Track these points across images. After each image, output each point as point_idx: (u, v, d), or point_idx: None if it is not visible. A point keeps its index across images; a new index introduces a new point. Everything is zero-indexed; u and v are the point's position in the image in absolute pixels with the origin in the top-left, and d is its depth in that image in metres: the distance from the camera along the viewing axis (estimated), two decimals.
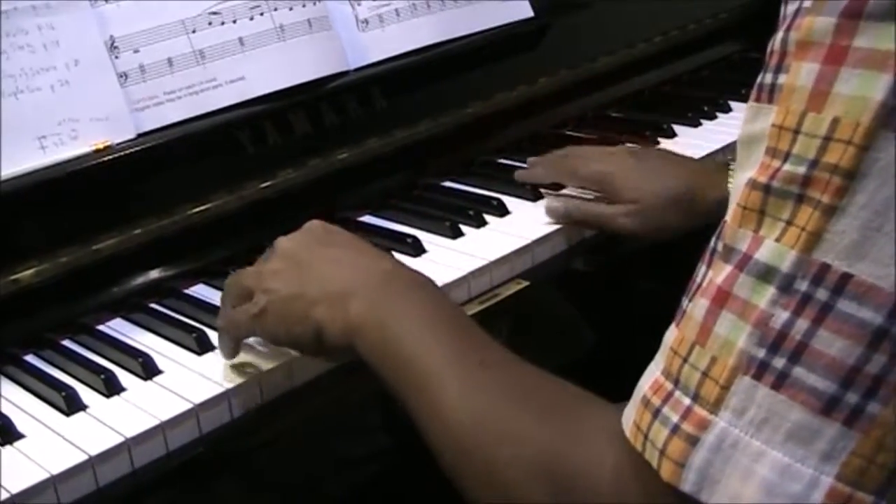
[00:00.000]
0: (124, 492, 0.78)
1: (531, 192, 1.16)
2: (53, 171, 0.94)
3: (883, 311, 0.45)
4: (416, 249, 1.04)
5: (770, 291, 0.48)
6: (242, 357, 0.86)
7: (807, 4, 0.48)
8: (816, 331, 0.46)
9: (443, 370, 0.68)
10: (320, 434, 0.94)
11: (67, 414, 0.82)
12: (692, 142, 1.30)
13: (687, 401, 0.51)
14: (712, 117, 1.38)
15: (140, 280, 0.99)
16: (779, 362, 0.47)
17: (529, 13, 1.29)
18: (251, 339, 0.86)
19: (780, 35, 0.50)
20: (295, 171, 1.08)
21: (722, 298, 0.50)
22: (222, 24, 1.04)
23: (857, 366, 0.46)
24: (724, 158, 1.24)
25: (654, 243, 1.06)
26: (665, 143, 1.30)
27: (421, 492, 1.06)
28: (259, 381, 0.85)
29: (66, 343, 0.94)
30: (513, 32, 1.28)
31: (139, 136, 1.00)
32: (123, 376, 0.86)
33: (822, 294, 0.46)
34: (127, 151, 0.98)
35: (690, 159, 1.19)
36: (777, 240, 0.48)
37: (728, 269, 0.50)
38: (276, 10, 1.07)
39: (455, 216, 1.10)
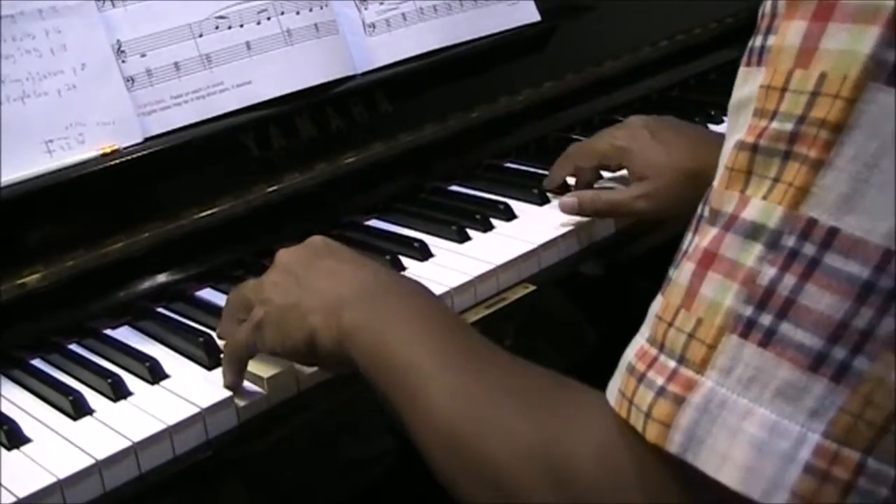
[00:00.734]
0: (131, 496, 0.78)
1: (538, 196, 1.15)
2: (60, 175, 0.94)
3: (870, 266, 0.45)
4: (423, 253, 1.04)
5: (757, 249, 0.48)
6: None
7: None
8: (804, 286, 0.46)
9: (433, 371, 0.67)
10: (326, 438, 0.93)
11: (74, 418, 0.82)
12: None
13: (672, 364, 0.50)
14: (719, 121, 1.38)
15: (147, 284, 0.99)
16: (766, 319, 0.47)
17: (536, 17, 1.29)
18: None
19: None
20: (301, 175, 1.08)
21: (708, 261, 0.50)
22: (229, 28, 1.05)
23: (845, 321, 0.45)
24: None
25: (664, 247, 1.06)
26: None
27: (425, 495, 1.06)
28: (265, 387, 0.85)
29: (73, 347, 0.94)
30: (518, 36, 1.28)
31: (146, 140, 1.00)
32: (130, 381, 0.87)
33: (809, 249, 0.46)
34: (134, 155, 0.98)
35: (704, 130, 1.18)
36: (764, 198, 0.48)
37: (714, 231, 0.50)
38: (283, 14, 1.07)
39: (462, 220, 1.10)
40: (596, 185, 1.15)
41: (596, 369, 0.65)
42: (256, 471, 0.88)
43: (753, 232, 0.48)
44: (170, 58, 1.01)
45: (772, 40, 0.49)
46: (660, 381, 0.50)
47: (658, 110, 1.44)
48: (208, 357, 0.89)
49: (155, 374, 0.87)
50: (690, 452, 0.49)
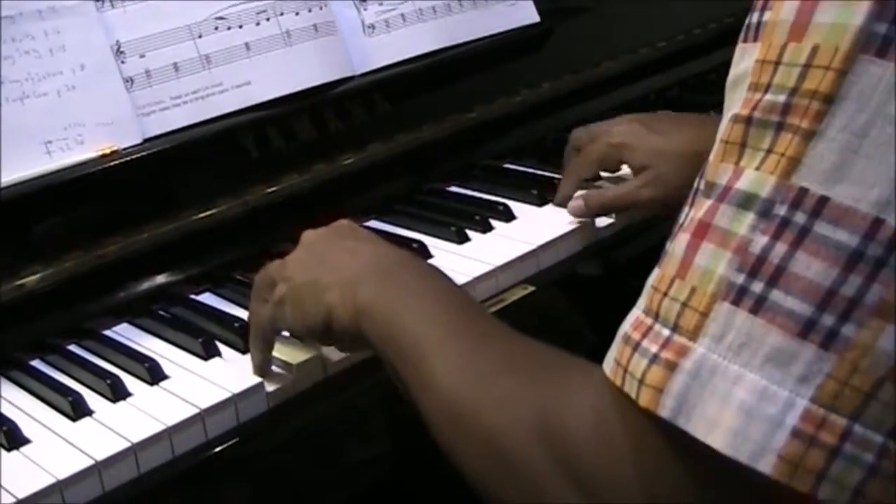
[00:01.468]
0: (130, 497, 0.78)
1: (537, 197, 1.15)
2: (59, 175, 0.94)
3: (859, 234, 0.46)
4: (422, 254, 1.04)
5: (749, 218, 0.49)
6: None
7: None
8: (794, 254, 0.47)
9: (439, 345, 0.69)
10: (325, 439, 0.94)
11: (73, 419, 0.82)
12: None
13: (666, 332, 0.51)
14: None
15: (146, 285, 0.99)
16: (757, 287, 0.48)
17: (535, 18, 1.29)
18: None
19: None
20: (300, 176, 1.08)
21: (702, 231, 0.51)
22: (228, 29, 1.05)
23: (834, 288, 0.46)
24: None
25: (662, 246, 1.06)
26: None
27: (424, 496, 1.06)
28: (264, 387, 0.85)
29: (72, 348, 0.94)
30: (517, 37, 1.28)
31: (145, 140, 1.00)
32: (129, 381, 0.86)
33: (799, 217, 0.47)
34: (133, 156, 0.98)
35: (698, 115, 1.19)
36: (757, 168, 0.49)
37: (709, 203, 0.51)
38: (282, 15, 1.07)
39: (461, 221, 1.10)
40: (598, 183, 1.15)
41: None
42: (255, 471, 0.88)
43: (746, 201, 0.49)
44: (169, 58, 1.01)
45: (767, 16, 0.50)
46: (654, 348, 0.51)
47: (657, 110, 1.44)
48: (207, 358, 0.89)
49: (154, 374, 0.87)
50: (682, 417, 0.50)
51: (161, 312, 0.99)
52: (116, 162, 0.97)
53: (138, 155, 0.99)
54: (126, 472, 0.78)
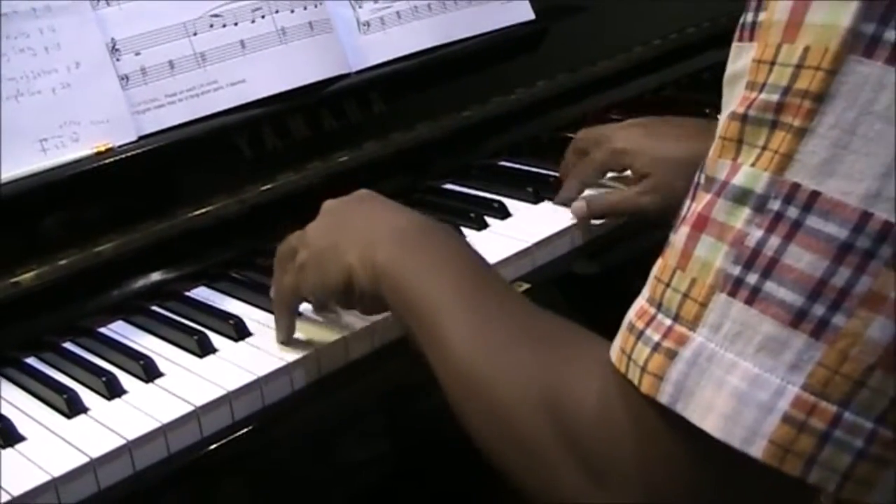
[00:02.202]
0: (125, 494, 0.78)
1: (532, 195, 1.16)
2: (54, 173, 0.94)
3: (848, 226, 0.47)
4: None
5: (745, 212, 0.50)
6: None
7: None
8: (787, 246, 0.48)
9: (455, 306, 0.71)
10: (321, 437, 0.94)
11: (69, 416, 0.82)
12: None
13: (668, 321, 0.53)
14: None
15: (141, 283, 0.99)
16: (752, 278, 0.49)
17: (531, 15, 1.29)
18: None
19: None
20: (295, 173, 1.08)
21: (702, 223, 0.52)
22: (223, 26, 1.05)
23: (824, 279, 0.47)
24: None
25: (658, 246, 1.06)
26: None
27: (422, 496, 1.06)
28: (259, 385, 0.85)
29: (67, 345, 0.94)
30: (512, 35, 1.28)
31: (140, 138, 1.00)
32: (125, 379, 0.86)
33: (792, 212, 0.48)
34: (128, 154, 0.98)
35: (698, 120, 1.20)
36: (752, 164, 0.50)
37: (708, 196, 0.52)
38: (277, 12, 1.07)
39: (456, 219, 1.10)
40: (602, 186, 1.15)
41: None
42: (251, 469, 0.88)
43: (742, 196, 0.50)
44: (164, 56, 1.01)
45: (762, 16, 0.51)
46: (656, 337, 0.53)
47: (652, 109, 1.44)
48: (203, 355, 0.89)
49: (149, 372, 0.87)
50: (680, 403, 0.51)
51: (156, 310, 0.99)
52: (112, 160, 0.97)
53: (133, 153, 0.98)
54: (121, 470, 0.78)
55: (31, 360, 0.92)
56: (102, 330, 0.96)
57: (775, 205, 0.49)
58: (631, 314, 0.56)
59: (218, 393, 0.83)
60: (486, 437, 0.66)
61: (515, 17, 1.28)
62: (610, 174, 1.16)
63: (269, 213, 1.06)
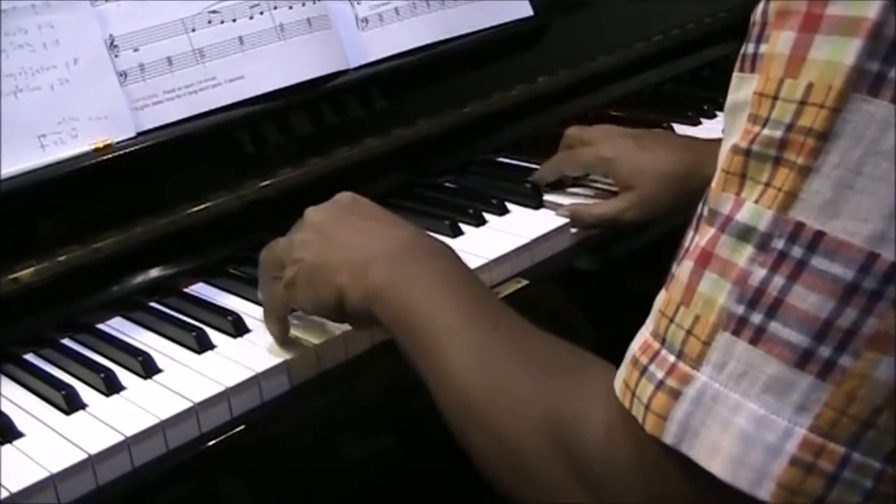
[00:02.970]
0: (124, 491, 0.78)
1: (531, 192, 1.16)
2: (53, 169, 0.94)
3: (854, 267, 0.47)
4: None
5: (749, 250, 0.50)
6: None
7: None
8: (792, 286, 0.48)
9: (453, 331, 0.70)
10: (320, 434, 0.94)
11: (67, 413, 0.82)
12: None
13: (672, 358, 0.53)
14: (712, 116, 1.38)
15: (140, 279, 0.99)
16: (756, 318, 0.49)
17: (529, 12, 1.29)
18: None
19: (761, 6, 0.52)
20: (294, 170, 1.08)
21: (705, 259, 0.52)
22: (222, 22, 1.04)
23: (830, 319, 0.47)
24: None
25: (656, 243, 1.07)
26: None
27: (424, 493, 1.06)
28: (258, 381, 0.85)
29: (66, 342, 0.94)
30: (512, 31, 1.28)
31: (139, 134, 0.99)
32: (123, 375, 0.87)
33: (797, 251, 0.48)
34: (127, 150, 0.98)
35: (690, 138, 1.20)
36: (756, 201, 0.50)
37: (711, 231, 0.52)
38: (275, 8, 1.07)
39: (455, 215, 1.10)
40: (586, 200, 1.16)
41: None
42: (249, 465, 0.88)
43: (745, 233, 0.50)
44: (162, 52, 1.01)
45: (763, 48, 0.51)
46: (660, 374, 0.53)
47: (651, 105, 1.44)
48: (201, 352, 0.89)
49: (148, 368, 0.87)
50: (685, 443, 0.51)
51: (155, 306, 0.99)
52: (110, 156, 0.97)
53: (132, 149, 0.98)
54: (120, 466, 0.78)
55: (30, 357, 0.92)
56: (101, 326, 0.96)
57: (779, 244, 0.49)
58: (635, 347, 0.56)
59: (216, 389, 0.83)
60: (489, 464, 0.65)
61: (514, 14, 1.28)
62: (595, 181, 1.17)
63: (268, 210, 1.06)
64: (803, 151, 0.48)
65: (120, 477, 0.78)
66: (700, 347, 0.51)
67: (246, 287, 0.99)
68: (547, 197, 1.15)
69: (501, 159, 1.28)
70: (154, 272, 1.00)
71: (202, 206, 1.01)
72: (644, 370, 0.54)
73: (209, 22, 1.04)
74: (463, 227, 1.09)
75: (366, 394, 0.94)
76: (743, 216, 0.50)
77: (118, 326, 0.96)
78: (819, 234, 0.47)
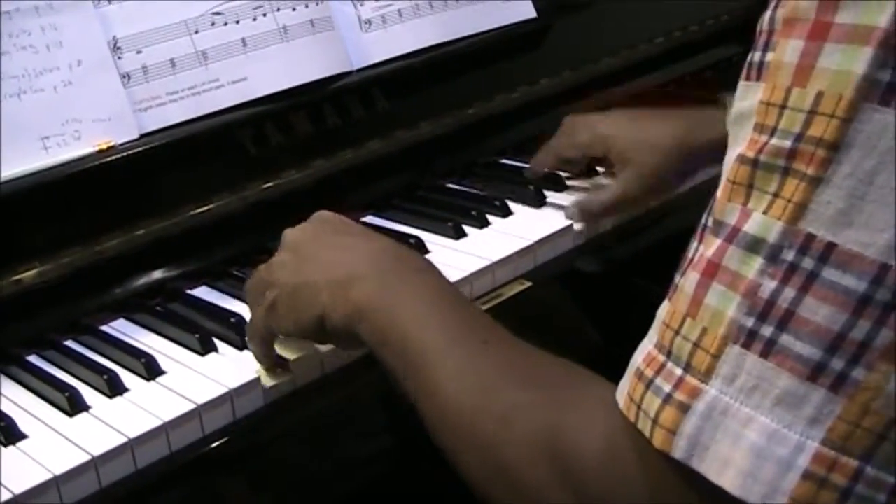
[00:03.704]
0: (127, 492, 0.78)
1: (534, 193, 1.16)
2: (56, 171, 0.94)
3: (866, 279, 0.46)
4: (420, 250, 1.04)
5: (758, 262, 0.49)
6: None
7: None
8: (803, 299, 0.47)
9: (442, 348, 0.69)
10: (323, 435, 0.94)
11: (70, 414, 0.82)
12: None
13: (679, 371, 0.52)
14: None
15: (143, 281, 0.99)
16: (767, 330, 0.48)
17: (532, 14, 1.29)
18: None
19: (768, 14, 0.51)
20: (297, 171, 1.08)
21: (712, 271, 0.51)
22: (225, 24, 1.04)
23: (842, 332, 0.46)
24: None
25: (659, 244, 1.07)
26: None
27: (424, 493, 1.06)
28: (261, 383, 0.85)
29: (69, 343, 0.94)
30: (514, 33, 1.28)
31: (142, 136, 1.00)
32: (126, 377, 0.87)
33: (807, 263, 0.47)
34: (130, 152, 0.98)
35: (683, 109, 1.20)
36: (764, 212, 0.49)
37: (718, 242, 0.51)
38: (278, 10, 1.07)
39: (458, 216, 1.10)
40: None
41: (593, 366, 0.65)
42: (252, 467, 0.88)
43: (754, 245, 0.49)
44: (166, 54, 1.01)
45: (770, 56, 0.50)
46: (667, 388, 0.52)
47: (654, 105, 1.44)
48: (204, 353, 0.89)
49: (151, 370, 0.87)
50: (695, 458, 0.50)
51: (158, 308, 0.99)
52: (113, 157, 0.97)
53: (135, 150, 0.98)
54: (123, 468, 0.78)
55: (33, 358, 0.92)
56: (104, 328, 0.96)
57: (789, 255, 0.48)
58: (638, 359, 0.55)
59: (220, 391, 0.83)
60: (479, 479, 0.64)
61: (517, 16, 1.28)
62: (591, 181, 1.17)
63: (271, 211, 1.05)
64: (813, 162, 0.47)
65: (123, 478, 0.78)
66: (709, 361, 0.50)
67: None
68: (550, 198, 1.15)
69: (504, 161, 1.28)
70: (157, 274, 1.00)
71: (205, 208, 1.01)
72: (650, 383, 0.53)
73: (212, 24, 1.04)
74: (466, 228, 1.09)
75: (369, 394, 0.94)
76: (751, 227, 0.50)
77: (121, 328, 0.96)
78: (830, 246, 0.47)
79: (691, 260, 0.53)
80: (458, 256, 1.03)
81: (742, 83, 0.53)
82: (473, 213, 1.11)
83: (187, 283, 1.02)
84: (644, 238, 1.13)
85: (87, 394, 0.84)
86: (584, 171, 1.21)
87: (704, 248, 0.52)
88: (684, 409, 0.51)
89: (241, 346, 0.90)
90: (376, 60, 1.16)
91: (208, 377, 0.86)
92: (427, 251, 1.04)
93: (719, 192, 0.53)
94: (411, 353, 0.70)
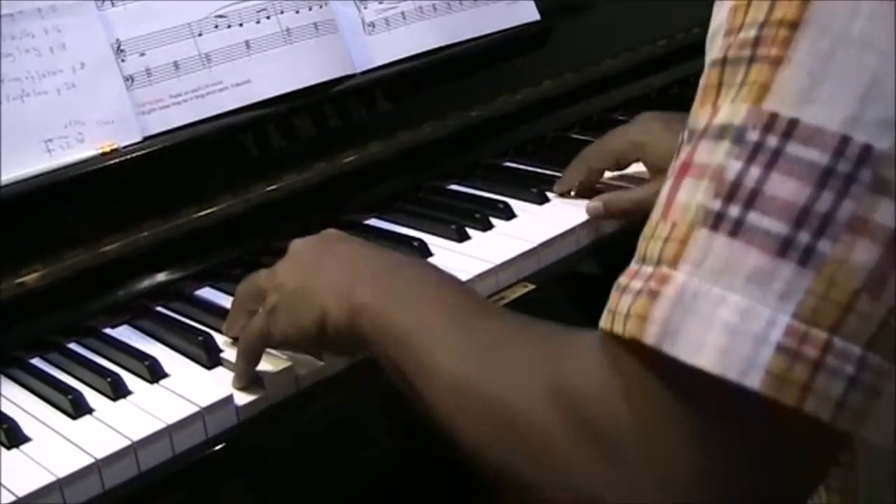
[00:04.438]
0: (130, 495, 0.78)
1: (538, 195, 1.15)
2: (59, 174, 0.94)
3: (828, 151, 0.47)
4: (423, 253, 1.04)
5: (724, 146, 0.50)
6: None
7: None
8: (768, 176, 0.48)
9: (439, 329, 0.69)
10: (325, 437, 0.93)
11: (74, 417, 0.82)
12: None
13: (650, 269, 0.52)
14: None
15: (146, 283, 0.99)
16: (734, 210, 0.49)
17: (536, 16, 1.29)
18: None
19: None
20: (300, 174, 1.08)
21: (683, 171, 0.52)
22: (228, 27, 1.04)
23: (807, 205, 0.48)
24: None
25: None
26: None
27: (426, 494, 1.06)
28: (264, 385, 0.85)
29: (73, 346, 0.94)
30: (517, 35, 1.28)
31: (145, 139, 1.00)
32: (130, 379, 0.86)
33: (772, 141, 0.48)
34: (133, 154, 0.98)
35: None
36: (732, 101, 0.50)
37: (689, 147, 0.52)
38: (282, 13, 1.07)
39: (461, 219, 1.10)
40: (610, 182, 1.16)
41: None
42: (255, 470, 0.88)
43: (721, 132, 0.50)
44: (169, 57, 1.01)
45: None
46: (639, 285, 0.52)
47: (657, 109, 1.44)
48: (207, 356, 0.89)
49: (154, 373, 0.87)
50: (667, 342, 0.50)
51: (161, 310, 0.99)
52: (116, 160, 0.97)
53: (138, 153, 0.99)
54: (126, 471, 0.78)
55: (36, 361, 0.92)
56: (107, 330, 0.96)
57: (754, 135, 0.49)
58: (619, 277, 0.56)
59: (223, 393, 0.83)
60: (486, 442, 0.63)
61: (520, 18, 1.28)
62: (617, 173, 1.17)
63: (274, 214, 1.06)
64: (776, 43, 0.49)
65: (126, 481, 0.78)
66: (676, 248, 0.51)
67: None
68: (553, 201, 1.15)
69: (507, 163, 1.28)
70: (160, 276, 1.00)
71: (208, 211, 1.01)
72: (625, 289, 0.53)
73: (216, 26, 1.04)
74: (469, 231, 1.09)
75: (372, 396, 0.94)
76: (719, 118, 0.51)
77: (124, 331, 0.96)
78: (793, 122, 0.48)
79: (668, 175, 0.54)
80: (461, 259, 1.03)
81: (716, 4, 0.55)
82: (477, 215, 1.11)
83: (190, 285, 1.02)
84: None
85: (91, 396, 0.84)
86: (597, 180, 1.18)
87: (677, 160, 0.53)
88: (654, 295, 0.51)
89: None
90: (379, 63, 1.15)
91: (212, 379, 0.86)
92: (430, 254, 1.04)
93: (693, 105, 0.54)
94: (407, 337, 0.70)
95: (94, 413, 0.83)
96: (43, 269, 0.91)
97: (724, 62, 0.51)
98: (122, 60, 0.99)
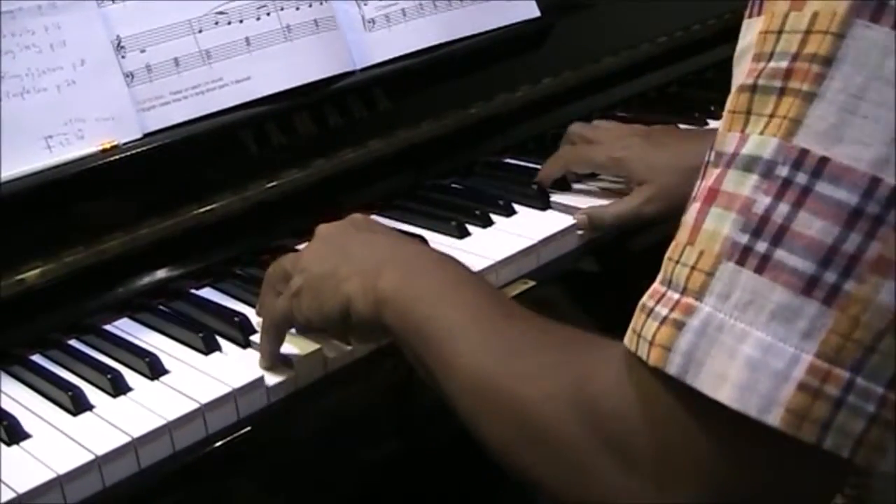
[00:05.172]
0: (131, 492, 0.78)
1: (537, 193, 1.15)
2: (59, 171, 0.94)
3: (858, 192, 0.47)
4: None
5: (753, 179, 0.50)
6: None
7: None
8: (797, 213, 0.49)
9: (466, 322, 0.70)
10: (327, 434, 0.93)
11: (74, 414, 0.82)
12: None
13: (676, 295, 0.53)
14: (718, 117, 1.37)
15: (146, 280, 0.99)
16: (761, 246, 0.49)
17: (536, 13, 1.29)
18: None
19: None
20: (300, 171, 1.08)
21: (711, 197, 0.52)
22: (229, 23, 1.04)
23: (835, 245, 0.48)
24: None
25: (663, 244, 1.07)
26: None
27: (428, 493, 1.06)
28: (264, 382, 0.85)
29: (73, 343, 0.94)
30: (517, 33, 1.28)
31: (145, 135, 1.00)
32: (130, 376, 0.86)
33: (801, 178, 0.48)
34: (133, 151, 0.98)
35: (698, 128, 1.20)
36: (761, 133, 0.50)
37: (717, 171, 0.53)
38: (282, 9, 1.07)
39: (461, 216, 1.10)
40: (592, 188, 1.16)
41: None
42: (256, 466, 0.88)
43: (750, 164, 0.50)
44: (169, 53, 1.01)
45: None
46: (664, 311, 0.53)
47: (657, 107, 1.44)
48: (208, 353, 0.89)
49: (154, 369, 0.87)
50: (689, 374, 0.51)
51: (161, 307, 0.99)
52: (117, 157, 0.97)
53: (138, 150, 0.98)
54: (126, 467, 0.78)
55: (37, 358, 0.92)
56: (107, 327, 0.96)
57: (783, 171, 0.49)
58: (644, 297, 0.56)
59: (223, 390, 0.83)
60: (507, 443, 0.65)
61: (520, 15, 1.28)
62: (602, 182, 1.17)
63: (274, 211, 1.06)
64: (808, 78, 0.49)
65: (126, 478, 0.78)
66: (703, 279, 0.51)
67: (252, 288, 0.99)
68: (554, 198, 1.15)
69: (507, 160, 1.28)
70: (160, 273, 1.00)
71: (208, 208, 1.01)
72: (650, 312, 0.54)
73: (216, 23, 1.04)
74: (470, 228, 1.09)
75: (374, 393, 0.94)
76: (748, 149, 0.51)
77: (125, 327, 0.96)
78: (823, 160, 0.48)
79: (694, 196, 0.54)
80: (461, 256, 1.01)
81: (745, 21, 0.54)
82: (477, 212, 1.11)
83: (190, 282, 1.02)
84: (648, 238, 1.13)
85: (91, 393, 0.84)
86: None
87: (705, 181, 0.53)
88: (679, 325, 0.52)
89: (244, 345, 0.90)
90: (379, 60, 1.15)
91: (212, 376, 0.86)
92: None
93: (721, 125, 0.54)
94: (433, 330, 0.71)
95: (95, 410, 0.83)
96: (43, 266, 0.91)
97: (753, 89, 0.51)
98: (123, 57, 0.99)
